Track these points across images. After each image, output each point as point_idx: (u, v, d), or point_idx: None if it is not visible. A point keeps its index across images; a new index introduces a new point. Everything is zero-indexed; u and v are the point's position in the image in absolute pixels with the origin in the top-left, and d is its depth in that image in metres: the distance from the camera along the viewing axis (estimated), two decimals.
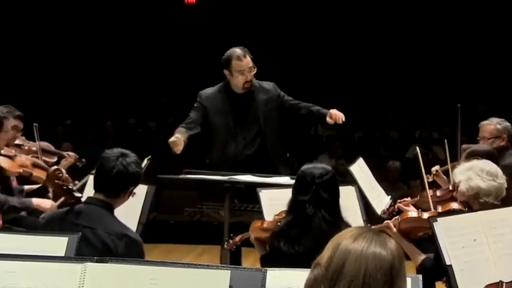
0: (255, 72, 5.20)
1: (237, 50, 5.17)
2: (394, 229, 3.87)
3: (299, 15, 14.41)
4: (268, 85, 5.35)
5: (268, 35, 14.43)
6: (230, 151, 5.18)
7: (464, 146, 4.80)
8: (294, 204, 3.53)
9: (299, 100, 5.43)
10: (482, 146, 4.80)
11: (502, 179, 3.75)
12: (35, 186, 4.93)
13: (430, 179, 5.15)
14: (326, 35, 14.40)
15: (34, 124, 5.13)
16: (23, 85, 13.66)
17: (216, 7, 14.58)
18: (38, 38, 14.32)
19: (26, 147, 5.28)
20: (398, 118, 12.66)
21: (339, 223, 3.38)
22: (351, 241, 1.83)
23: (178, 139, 4.97)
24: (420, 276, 2.59)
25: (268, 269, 2.49)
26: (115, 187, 3.41)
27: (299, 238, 3.40)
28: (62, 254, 2.87)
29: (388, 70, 14.19)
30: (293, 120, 5.52)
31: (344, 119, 5.22)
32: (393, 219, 3.99)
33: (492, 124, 5.36)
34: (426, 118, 12.02)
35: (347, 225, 3.47)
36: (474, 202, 3.71)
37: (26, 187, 4.95)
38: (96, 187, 3.44)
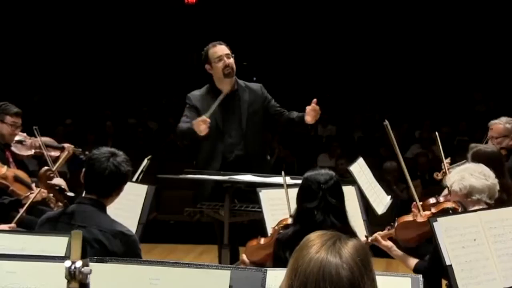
0: (233, 59, 5.17)
1: (212, 42, 5.26)
2: (383, 242, 3.88)
3: (299, 15, 14.41)
4: (255, 86, 5.32)
5: (269, 35, 14.44)
6: (219, 151, 5.17)
7: (471, 145, 4.77)
8: (301, 213, 3.47)
9: (287, 108, 5.33)
10: (489, 146, 4.79)
11: (494, 180, 3.80)
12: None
13: (440, 177, 5.10)
14: (326, 35, 14.41)
15: (34, 127, 5.10)
16: (23, 85, 13.67)
17: (216, 7, 14.59)
18: (38, 38, 14.32)
19: (28, 143, 5.26)
20: (398, 118, 12.67)
21: (347, 229, 3.34)
22: (307, 263, 1.79)
23: (207, 120, 4.93)
24: (420, 276, 2.59)
25: (268, 269, 2.49)
26: (108, 188, 3.40)
27: None
28: (62, 254, 2.87)
29: (388, 70, 14.20)
30: (274, 126, 5.46)
31: (319, 112, 5.02)
32: (388, 231, 3.98)
33: (501, 123, 5.32)
34: (426, 118, 12.03)
35: (353, 232, 3.45)
36: (468, 200, 3.73)
37: None
38: (88, 188, 3.42)
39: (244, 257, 3.93)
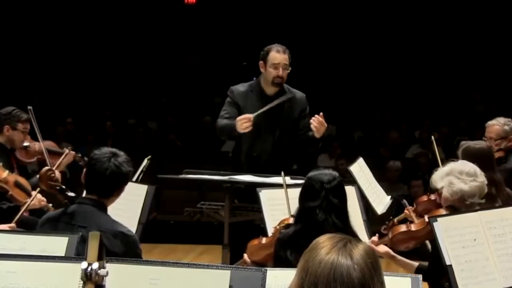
0: (288, 71, 5.13)
1: (278, 45, 5.20)
2: (380, 250, 3.87)
3: (299, 15, 14.42)
4: (299, 94, 5.26)
5: (268, 35, 14.42)
6: (256, 151, 5.14)
7: (462, 142, 4.77)
8: (302, 212, 3.47)
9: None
10: (478, 142, 4.76)
11: (482, 177, 3.74)
12: None
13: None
14: (326, 35, 14.41)
15: (28, 107, 5.06)
16: (23, 85, 13.67)
17: (216, 7, 14.59)
18: (38, 38, 14.32)
19: (32, 149, 5.25)
20: (398, 118, 12.67)
21: (348, 230, 3.35)
22: (318, 264, 1.80)
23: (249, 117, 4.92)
24: (420, 276, 2.59)
25: (268, 269, 2.49)
26: (109, 188, 3.41)
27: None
28: (62, 254, 2.87)
29: (388, 70, 14.20)
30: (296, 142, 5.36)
31: (324, 125, 4.95)
32: (380, 239, 3.98)
33: (498, 125, 5.24)
34: (426, 118, 12.04)
35: (354, 233, 3.47)
36: (460, 205, 3.71)
37: None
38: (89, 188, 3.42)
39: (245, 256, 3.94)
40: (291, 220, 3.66)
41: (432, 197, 4.33)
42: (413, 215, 4.16)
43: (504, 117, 5.35)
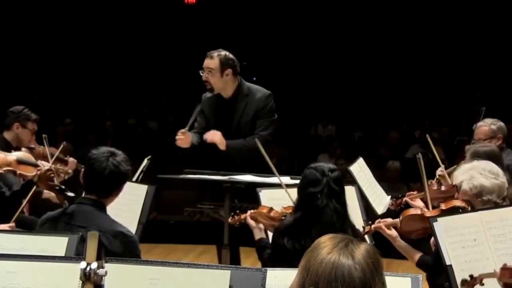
0: (215, 76, 5.07)
1: (214, 51, 5.12)
2: (387, 231, 3.88)
3: (299, 15, 14.42)
4: (260, 94, 5.20)
5: (268, 35, 14.44)
6: (210, 153, 5.18)
7: (467, 147, 4.80)
8: (303, 199, 3.52)
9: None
10: (487, 145, 4.80)
11: (503, 178, 3.76)
12: None
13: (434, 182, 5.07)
14: (326, 35, 14.42)
15: (44, 135, 5.11)
16: (23, 86, 13.67)
17: (216, 7, 14.60)
18: (38, 38, 14.32)
19: (36, 152, 5.25)
20: (398, 118, 12.68)
21: (347, 217, 3.45)
22: (319, 264, 1.81)
23: (187, 134, 5.01)
24: (420, 276, 2.59)
25: (268, 269, 2.49)
26: (107, 188, 3.41)
27: (308, 233, 3.38)
28: (62, 254, 2.87)
29: (388, 70, 14.20)
30: None
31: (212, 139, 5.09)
32: (393, 220, 3.99)
33: (486, 125, 5.38)
34: (426, 118, 12.04)
35: (353, 227, 3.49)
36: (477, 200, 3.71)
37: None
38: (87, 188, 3.42)
39: (249, 212, 4.00)
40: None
41: (443, 187, 4.38)
42: (418, 196, 4.29)
43: (491, 118, 5.45)
